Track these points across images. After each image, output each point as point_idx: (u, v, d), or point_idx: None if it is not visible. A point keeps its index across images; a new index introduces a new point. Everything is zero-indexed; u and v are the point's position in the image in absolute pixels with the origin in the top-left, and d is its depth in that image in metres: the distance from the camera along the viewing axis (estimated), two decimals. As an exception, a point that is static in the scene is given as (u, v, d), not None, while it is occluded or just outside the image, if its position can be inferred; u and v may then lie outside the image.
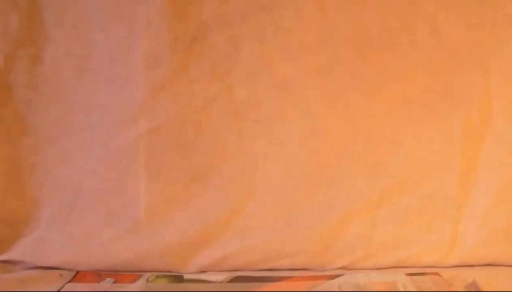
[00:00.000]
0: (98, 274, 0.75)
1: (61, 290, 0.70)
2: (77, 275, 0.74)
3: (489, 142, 0.78)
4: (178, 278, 0.75)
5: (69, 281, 0.73)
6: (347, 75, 0.77)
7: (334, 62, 0.76)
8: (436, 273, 0.76)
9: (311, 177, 0.78)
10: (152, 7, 0.74)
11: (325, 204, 0.78)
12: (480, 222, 0.78)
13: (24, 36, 0.74)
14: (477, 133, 0.78)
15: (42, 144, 0.76)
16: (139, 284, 0.72)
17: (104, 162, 0.76)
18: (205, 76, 0.76)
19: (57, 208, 0.76)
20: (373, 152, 0.78)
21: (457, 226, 0.78)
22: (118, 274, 0.75)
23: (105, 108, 0.75)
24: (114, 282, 0.73)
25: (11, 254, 0.75)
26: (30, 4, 0.74)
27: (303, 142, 0.77)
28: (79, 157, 0.76)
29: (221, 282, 0.74)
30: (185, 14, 0.74)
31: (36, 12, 0.74)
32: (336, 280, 0.75)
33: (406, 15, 0.76)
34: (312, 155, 0.77)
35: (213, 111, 0.76)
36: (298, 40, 0.76)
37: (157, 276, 0.75)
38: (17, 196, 0.76)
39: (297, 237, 0.78)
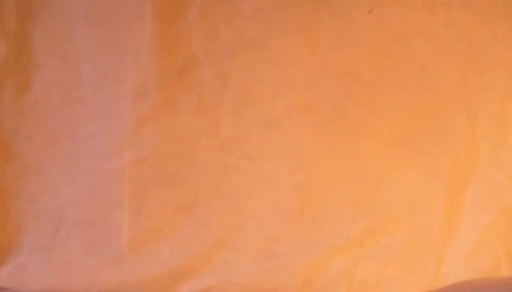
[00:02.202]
0: (78, 304, 0.75)
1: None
2: (58, 304, 0.75)
3: (474, 185, 0.78)
4: (159, 311, 0.75)
5: (49, 309, 0.73)
6: (334, 112, 0.77)
7: (321, 100, 0.77)
8: (417, 314, 0.77)
9: (295, 213, 0.78)
10: (141, 39, 0.74)
11: (308, 241, 0.78)
12: (463, 264, 0.78)
13: (12, 63, 0.74)
14: (462, 176, 0.78)
15: (26, 172, 0.75)
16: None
17: (88, 192, 0.76)
18: (192, 109, 0.76)
19: (40, 235, 0.76)
20: (357, 190, 0.78)
21: (440, 266, 0.78)
22: (98, 304, 0.75)
23: (91, 138, 0.75)
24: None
25: (-8, 280, 0.75)
26: (19, 31, 0.74)
27: (288, 178, 0.77)
28: (64, 186, 0.76)
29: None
30: (174, 47, 0.75)
31: (25, 40, 0.74)
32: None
33: (396, 55, 0.76)
34: (297, 191, 0.77)
35: (199, 145, 0.76)
36: (286, 76, 0.76)
37: (138, 308, 0.75)
38: (0, 223, 0.76)
39: (279, 272, 0.78)
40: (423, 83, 0.77)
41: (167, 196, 0.76)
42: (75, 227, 0.76)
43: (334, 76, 0.76)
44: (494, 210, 0.78)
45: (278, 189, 0.77)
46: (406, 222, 0.78)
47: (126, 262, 0.76)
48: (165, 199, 0.76)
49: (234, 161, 0.76)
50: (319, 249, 0.78)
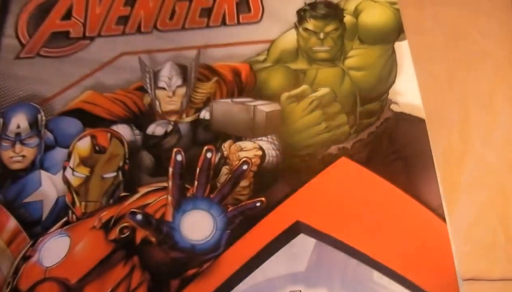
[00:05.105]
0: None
1: None
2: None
3: (469, 165, 0.85)
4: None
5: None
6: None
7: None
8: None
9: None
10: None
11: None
12: (462, 238, 0.84)
13: None
14: (457, 158, 0.86)
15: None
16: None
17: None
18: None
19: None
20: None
21: (444, 239, 0.84)
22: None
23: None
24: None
25: None
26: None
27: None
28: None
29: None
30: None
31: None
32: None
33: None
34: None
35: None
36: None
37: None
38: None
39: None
40: (418, 75, 0.86)
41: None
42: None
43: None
44: (490, 188, 0.85)
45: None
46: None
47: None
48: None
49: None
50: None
